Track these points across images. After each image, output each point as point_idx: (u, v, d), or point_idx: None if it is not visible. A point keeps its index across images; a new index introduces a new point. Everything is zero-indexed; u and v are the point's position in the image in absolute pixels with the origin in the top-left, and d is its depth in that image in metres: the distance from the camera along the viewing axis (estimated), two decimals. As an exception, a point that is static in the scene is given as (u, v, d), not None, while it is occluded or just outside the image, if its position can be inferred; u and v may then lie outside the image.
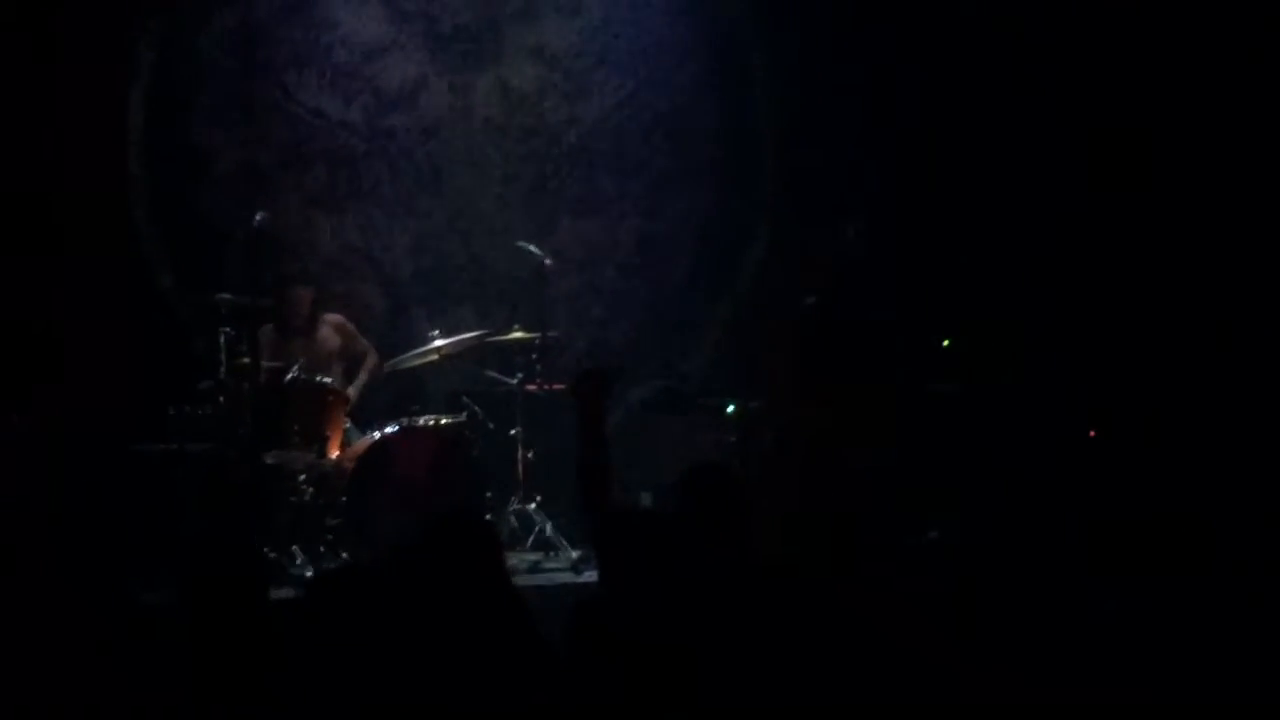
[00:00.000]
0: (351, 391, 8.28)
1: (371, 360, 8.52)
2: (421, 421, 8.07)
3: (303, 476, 7.79)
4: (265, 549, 7.25)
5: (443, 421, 8.14)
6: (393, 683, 3.84)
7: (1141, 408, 8.12)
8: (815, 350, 7.32)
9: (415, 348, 8.43)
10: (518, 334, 8.37)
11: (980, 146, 9.14)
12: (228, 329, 7.71)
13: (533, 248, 8.56)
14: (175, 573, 4.16)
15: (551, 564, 7.96)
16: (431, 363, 8.36)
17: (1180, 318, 8.40)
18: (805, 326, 7.42)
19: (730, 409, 8.36)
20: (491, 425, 8.33)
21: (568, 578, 7.68)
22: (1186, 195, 8.59)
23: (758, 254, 9.64)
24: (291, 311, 8.27)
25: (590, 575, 7.38)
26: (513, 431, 8.26)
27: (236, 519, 7.39)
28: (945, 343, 7.84)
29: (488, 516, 7.94)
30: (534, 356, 8.35)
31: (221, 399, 7.67)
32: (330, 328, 8.43)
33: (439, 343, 8.26)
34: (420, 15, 9.35)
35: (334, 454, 7.90)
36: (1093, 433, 8.06)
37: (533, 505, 8.18)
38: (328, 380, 7.97)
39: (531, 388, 8.34)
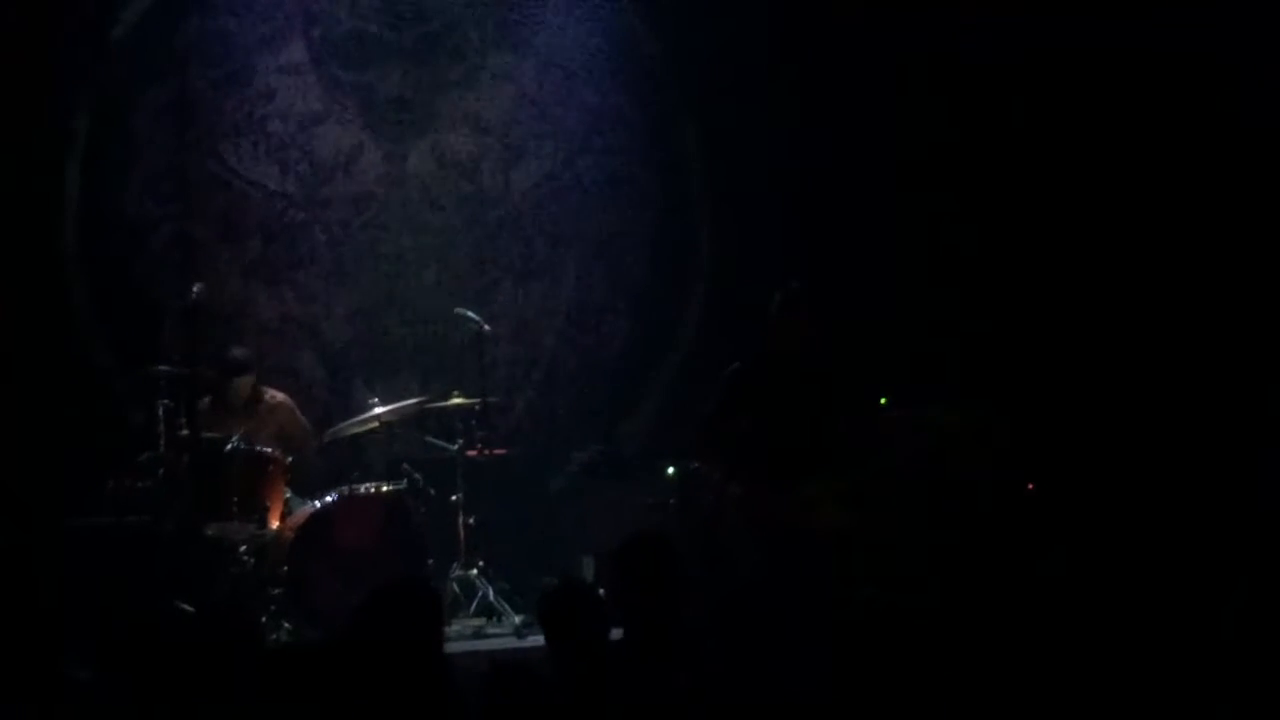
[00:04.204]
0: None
1: (309, 442, 8.46)
2: (362, 489, 8.02)
3: (243, 547, 7.76)
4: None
5: (383, 489, 8.10)
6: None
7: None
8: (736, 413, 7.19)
9: (354, 415, 8.42)
10: (457, 400, 8.40)
11: (919, 210, 9.24)
12: (166, 401, 7.68)
13: (471, 314, 8.59)
14: (106, 647, 4.12)
15: (494, 629, 7.97)
16: (371, 430, 8.34)
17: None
18: (729, 390, 7.26)
19: (670, 471, 8.38)
20: (432, 491, 8.30)
21: (511, 643, 7.69)
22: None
23: (695, 318, 9.72)
24: (233, 397, 8.26)
25: (534, 639, 7.43)
26: (454, 497, 8.26)
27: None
28: (883, 400, 7.84)
29: (430, 583, 7.95)
30: (474, 422, 8.38)
31: (161, 471, 7.64)
32: (269, 408, 8.37)
33: (378, 410, 8.23)
34: (355, 85, 9.39)
35: (274, 524, 7.87)
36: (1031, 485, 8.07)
37: (474, 571, 8.17)
38: (267, 449, 7.93)
39: (472, 453, 8.35)
